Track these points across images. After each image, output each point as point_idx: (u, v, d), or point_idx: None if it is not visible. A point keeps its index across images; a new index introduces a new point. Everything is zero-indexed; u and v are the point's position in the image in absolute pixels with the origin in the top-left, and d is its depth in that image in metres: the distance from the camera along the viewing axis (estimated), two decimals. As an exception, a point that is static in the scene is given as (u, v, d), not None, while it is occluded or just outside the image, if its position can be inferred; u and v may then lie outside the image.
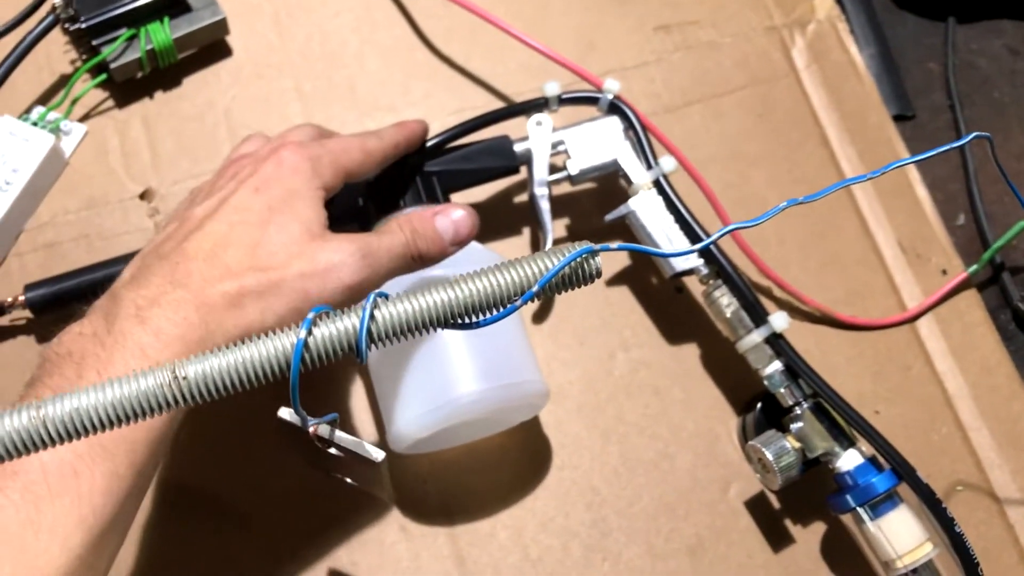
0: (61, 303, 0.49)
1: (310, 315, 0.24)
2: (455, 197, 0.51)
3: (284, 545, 0.47)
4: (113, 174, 0.53)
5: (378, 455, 0.32)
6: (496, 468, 0.50)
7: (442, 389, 0.43)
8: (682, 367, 0.53)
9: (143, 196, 0.53)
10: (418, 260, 0.39)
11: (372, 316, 0.24)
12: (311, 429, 0.32)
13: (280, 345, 0.24)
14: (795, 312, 0.54)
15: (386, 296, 0.24)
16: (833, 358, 0.54)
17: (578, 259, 0.25)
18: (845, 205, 0.57)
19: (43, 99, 0.54)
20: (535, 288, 0.24)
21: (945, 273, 0.56)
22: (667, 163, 0.50)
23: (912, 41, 0.63)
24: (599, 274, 0.25)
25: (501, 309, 0.25)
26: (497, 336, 0.45)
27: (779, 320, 0.47)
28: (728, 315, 0.48)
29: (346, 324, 0.24)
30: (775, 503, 0.50)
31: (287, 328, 0.24)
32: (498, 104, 0.57)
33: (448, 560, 0.48)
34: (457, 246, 0.41)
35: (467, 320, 0.25)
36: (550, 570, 0.48)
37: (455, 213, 0.41)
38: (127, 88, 0.55)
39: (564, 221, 0.55)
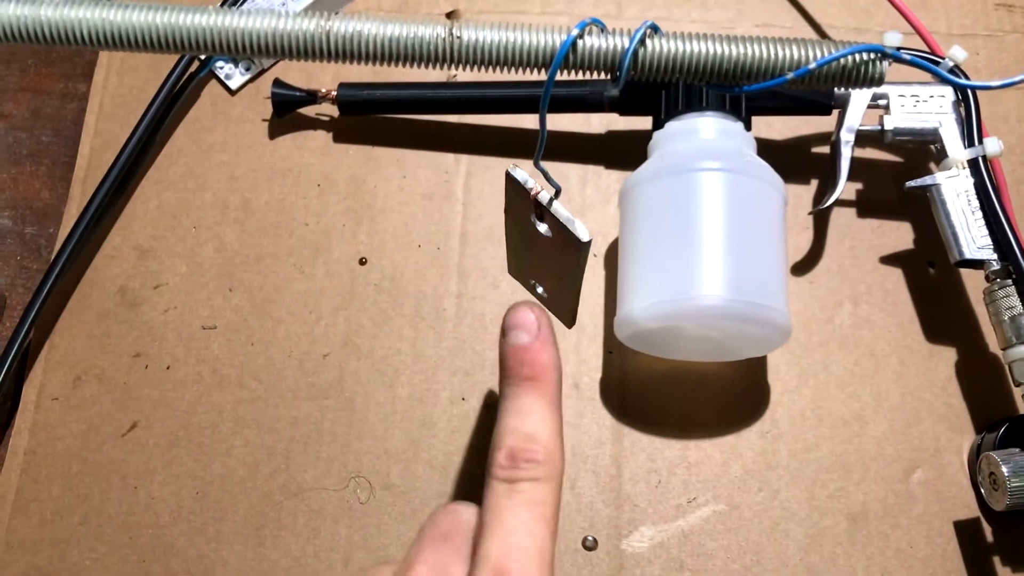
0: (367, 108, 0.53)
1: (587, 20, 0.24)
2: (756, 120, 0.49)
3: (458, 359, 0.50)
4: (430, -13, 0.57)
5: (584, 235, 0.32)
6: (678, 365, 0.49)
7: (686, 286, 0.42)
8: (908, 340, 0.50)
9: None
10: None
11: (642, 42, 0.24)
12: (533, 190, 0.32)
13: (551, 39, 0.24)
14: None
15: (659, 30, 0.25)
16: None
17: (864, 54, 0.24)
18: None
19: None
20: (812, 66, 0.24)
21: None
22: (992, 145, 0.46)
23: None
24: (880, 81, 0.24)
25: (769, 79, 0.24)
26: (758, 254, 0.43)
27: None
28: (1005, 318, 0.45)
29: (616, 41, 0.24)
30: (987, 532, 0.47)
31: (563, 28, 0.25)
32: (808, 30, 0.55)
33: (608, 430, 0.48)
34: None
35: (731, 81, 0.25)
36: (704, 476, 0.47)
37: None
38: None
39: (856, 185, 0.53)
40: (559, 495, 0.33)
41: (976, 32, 0.56)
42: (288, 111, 0.53)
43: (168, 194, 0.53)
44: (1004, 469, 0.42)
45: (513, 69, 0.25)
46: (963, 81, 0.28)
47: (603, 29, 0.25)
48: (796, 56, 0.24)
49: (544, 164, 0.53)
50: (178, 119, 0.55)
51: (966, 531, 0.46)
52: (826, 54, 0.24)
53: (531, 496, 0.32)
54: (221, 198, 0.53)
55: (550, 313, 0.40)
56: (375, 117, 0.54)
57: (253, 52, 0.25)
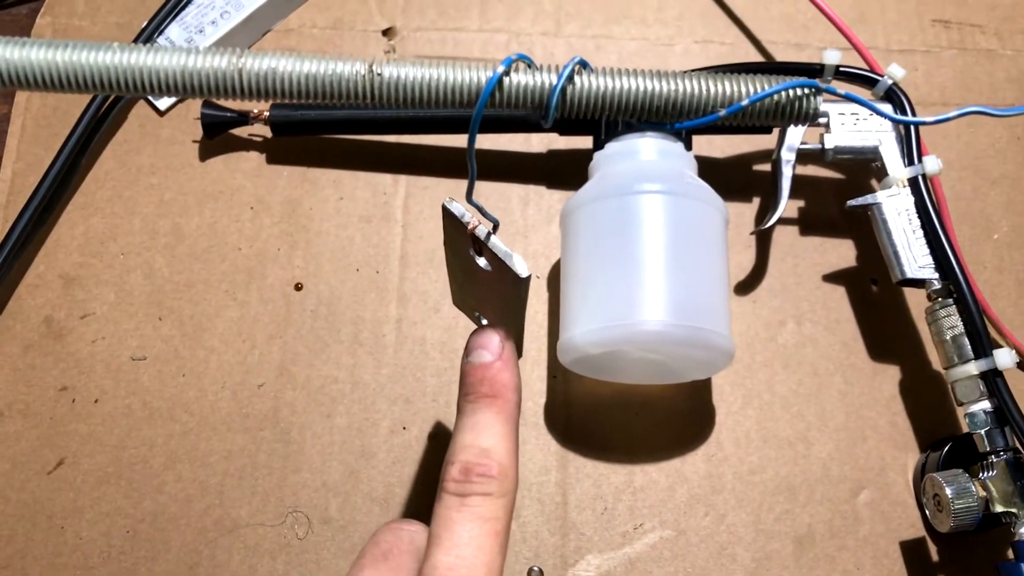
0: (301, 128, 0.51)
1: (513, 56, 0.23)
2: (697, 140, 0.48)
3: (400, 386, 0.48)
4: (366, 4, 0.55)
5: (523, 271, 0.31)
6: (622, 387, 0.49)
7: (628, 311, 0.41)
8: (851, 358, 0.50)
9: (385, 32, 0.55)
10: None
11: (571, 78, 0.23)
12: (470, 224, 0.31)
13: (477, 76, 0.23)
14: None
15: (588, 66, 0.24)
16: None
17: (798, 90, 0.23)
18: (1083, 256, 0.52)
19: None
20: (744, 102, 0.23)
21: None
22: (931, 163, 0.46)
23: None
24: (815, 116, 0.24)
25: (702, 116, 0.24)
26: (700, 276, 0.43)
27: (1004, 357, 0.43)
28: (947, 338, 0.44)
29: (544, 78, 0.23)
30: (933, 551, 0.47)
31: (488, 64, 0.24)
32: (748, 46, 0.55)
33: (553, 457, 0.47)
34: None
35: (662, 118, 0.24)
36: (650, 502, 0.47)
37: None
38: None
39: (798, 202, 0.53)
40: (511, 513, 0.33)
41: (914, 48, 0.56)
42: (219, 132, 0.52)
43: (95, 219, 0.51)
44: (948, 491, 0.42)
45: (437, 104, 0.24)
46: (898, 116, 0.28)
47: (530, 65, 0.24)
48: (728, 92, 0.23)
49: (486, 184, 0.53)
50: (105, 141, 0.53)
51: (912, 551, 0.46)
52: (759, 90, 0.23)
53: (482, 511, 0.31)
54: (150, 223, 0.51)
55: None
56: (310, 137, 0.52)
57: (162, 91, 0.24)
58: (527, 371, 0.49)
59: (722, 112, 0.23)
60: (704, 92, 0.23)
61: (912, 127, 0.47)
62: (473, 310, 0.40)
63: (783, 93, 0.23)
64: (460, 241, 0.34)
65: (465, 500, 0.31)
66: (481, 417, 0.34)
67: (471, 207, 0.31)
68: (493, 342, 0.35)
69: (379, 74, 0.23)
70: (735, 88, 0.23)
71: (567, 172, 0.52)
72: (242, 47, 0.52)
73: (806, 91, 0.23)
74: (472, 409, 0.34)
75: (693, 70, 0.49)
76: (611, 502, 0.47)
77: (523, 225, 0.52)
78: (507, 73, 0.23)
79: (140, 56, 0.23)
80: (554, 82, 0.23)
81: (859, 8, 0.56)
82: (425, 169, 0.53)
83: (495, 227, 0.32)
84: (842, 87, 0.48)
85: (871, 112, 0.48)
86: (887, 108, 0.48)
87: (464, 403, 0.35)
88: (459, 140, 0.53)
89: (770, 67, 0.49)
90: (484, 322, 0.40)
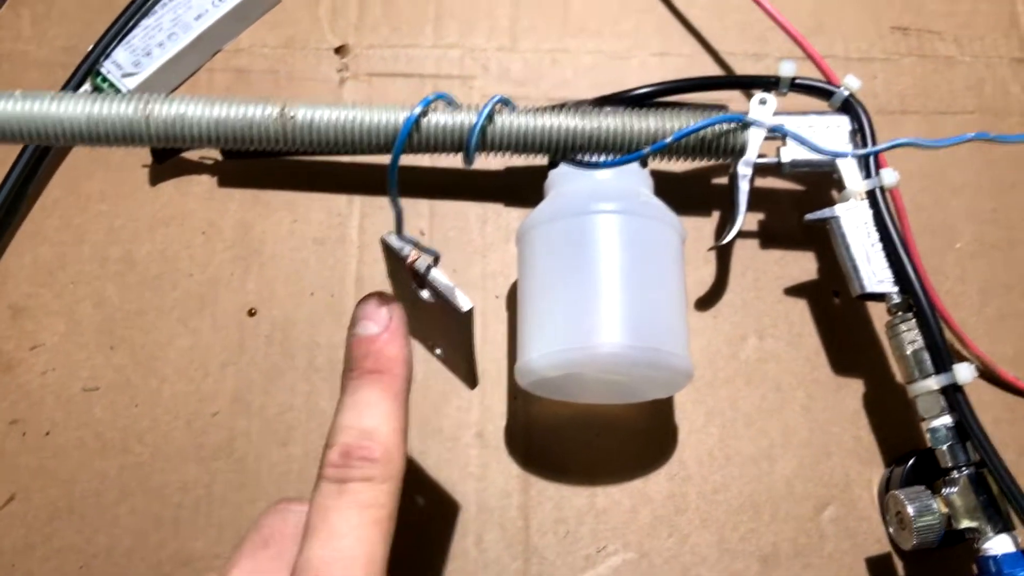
0: (250, 152, 0.50)
1: (431, 96, 0.23)
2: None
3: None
4: (317, 23, 0.55)
5: (465, 304, 0.30)
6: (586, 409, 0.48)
7: (584, 334, 0.41)
8: (814, 372, 0.49)
9: (338, 51, 0.54)
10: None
11: (490, 118, 0.23)
12: (409, 258, 0.31)
13: (393, 117, 0.23)
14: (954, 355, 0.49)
15: (510, 104, 0.23)
16: (981, 416, 0.48)
17: (724, 125, 0.23)
18: (1046, 263, 0.52)
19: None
20: (668, 139, 0.22)
21: None
22: (888, 176, 0.45)
23: None
24: (743, 150, 0.23)
25: (625, 154, 0.23)
26: (656, 297, 0.42)
27: (964, 372, 0.42)
28: (908, 352, 0.44)
29: (463, 118, 0.23)
30: (899, 567, 0.46)
31: (407, 106, 0.23)
32: (705, 58, 0.54)
33: (514, 480, 0.47)
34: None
35: (586, 155, 0.23)
36: (612, 524, 0.46)
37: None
38: (353, -53, 0.56)
39: (758, 215, 0.52)
40: (397, 499, 0.30)
41: (873, 56, 0.55)
42: (169, 156, 0.51)
43: (43, 248, 0.50)
44: (910, 509, 0.42)
45: (353, 148, 0.23)
46: (835, 150, 0.27)
47: (450, 103, 0.23)
48: (652, 129, 0.23)
49: (444, 203, 0.52)
50: (52, 167, 0.52)
51: (878, 567, 0.46)
52: (683, 126, 0.22)
53: (363, 498, 0.29)
54: (100, 251, 0.50)
55: (454, 374, 0.39)
56: (262, 159, 0.52)
57: (68, 140, 0.23)
58: (488, 393, 0.48)
59: (646, 150, 0.23)
60: (628, 130, 0.23)
61: (870, 139, 0.46)
62: (426, 339, 0.40)
63: (709, 129, 0.23)
64: (403, 273, 0.33)
65: (344, 487, 0.29)
66: (364, 395, 0.31)
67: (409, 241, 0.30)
68: (379, 313, 0.32)
69: (291, 117, 0.22)
70: (659, 125, 0.23)
71: (525, 189, 0.51)
72: (191, 68, 0.52)
73: (732, 126, 0.23)
74: (355, 387, 0.31)
75: (647, 86, 0.48)
76: (573, 525, 0.46)
77: (481, 244, 0.51)
78: (424, 114, 0.23)
79: (44, 104, 0.22)
80: (473, 122, 0.23)
81: (817, 17, 0.56)
82: (380, 189, 0.52)
83: (436, 260, 0.31)
84: (799, 99, 0.48)
85: (827, 124, 0.48)
86: (844, 121, 0.47)
87: (347, 380, 0.32)
88: (413, 159, 0.52)
89: (726, 81, 0.48)
90: (438, 351, 0.40)
